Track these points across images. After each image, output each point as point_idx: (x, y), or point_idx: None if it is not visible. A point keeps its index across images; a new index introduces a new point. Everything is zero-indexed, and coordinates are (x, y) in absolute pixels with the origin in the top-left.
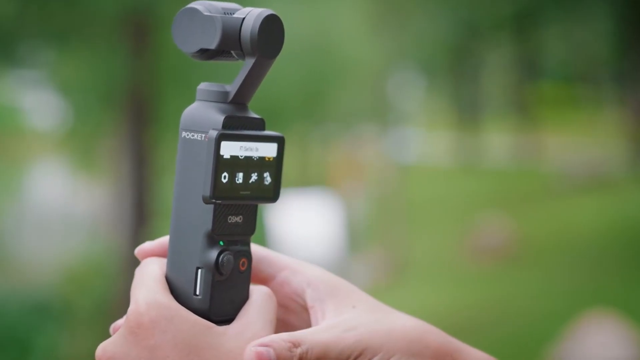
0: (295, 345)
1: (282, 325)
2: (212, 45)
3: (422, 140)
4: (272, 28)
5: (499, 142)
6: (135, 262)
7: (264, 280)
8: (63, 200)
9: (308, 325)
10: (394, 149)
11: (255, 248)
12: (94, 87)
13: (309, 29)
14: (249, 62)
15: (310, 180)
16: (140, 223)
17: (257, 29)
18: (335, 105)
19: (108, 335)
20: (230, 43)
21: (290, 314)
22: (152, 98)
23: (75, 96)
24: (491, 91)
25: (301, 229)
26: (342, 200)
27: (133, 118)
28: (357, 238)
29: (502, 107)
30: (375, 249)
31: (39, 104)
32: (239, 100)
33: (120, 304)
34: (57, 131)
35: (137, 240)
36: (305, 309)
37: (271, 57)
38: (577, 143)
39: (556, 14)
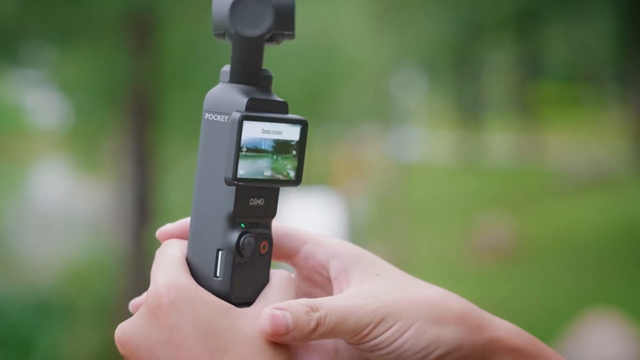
0: (313, 309)
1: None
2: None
3: (424, 139)
4: (248, 5)
5: (501, 141)
6: (137, 261)
7: (288, 256)
8: (65, 199)
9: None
10: (396, 148)
11: (276, 224)
12: (96, 86)
13: (312, 28)
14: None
15: (312, 179)
16: (143, 222)
17: (229, 4)
18: (338, 105)
19: (110, 334)
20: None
21: (316, 287)
22: (154, 97)
23: (77, 95)
24: (493, 91)
25: (303, 227)
26: (344, 199)
27: (135, 117)
28: (359, 237)
29: (504, 106)
30: (377, 248)
31: (42, 103)
32: (236, 79)
33: (122, 303)
34: (60, 130)
35: (139, 239)
36: (330, 281)
37: (248, 34)
38: (579, 142)
39: (558, 14)
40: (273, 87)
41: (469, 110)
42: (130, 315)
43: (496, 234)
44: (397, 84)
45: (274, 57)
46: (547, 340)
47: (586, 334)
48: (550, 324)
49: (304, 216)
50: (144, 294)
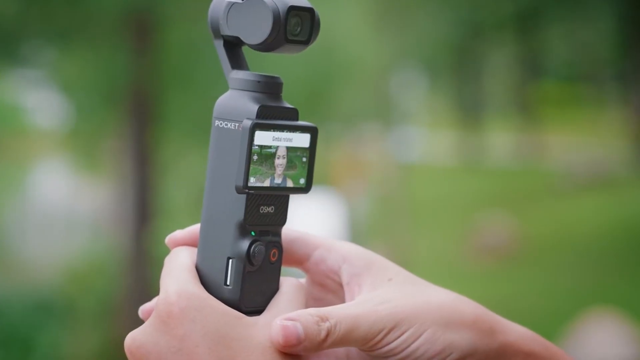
0: (323, 319)
1: (321, 304)
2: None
3: (424, 139)
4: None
5: (501, 141)
6: (138, 261)
7: (299, 261)
8: (66, 199)
9: (345, 302)
10: (396, 148)
11: (286, 230)
12: (96, 86)
13: None
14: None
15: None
16: (143, 222)
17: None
18: (338, 105)
19: (110, 334)
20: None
21: (328, 292)
22: (154, 97)
23: (77, 95)
24: (494, 90)
25: (304, 227)
26: (344, 199)
27: (135, 117)
28: (359, 237)
29: (505, 106)
30: (377, 248)
31: (42, 103)
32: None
33: (122, 303)
34: (60, 130)
35: (140, 239)
36: (342, 286)
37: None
38: (579, 142)
39: (559, 14)
40: None
41: (469, 110)
42: (131, 314)
43: (496, 233)
44: (398, 84)
45: (273, 56)
46: (548, 340)
47: (586, 334)
48: (550, 324)
49: (304, 216)
50: (154, 300)
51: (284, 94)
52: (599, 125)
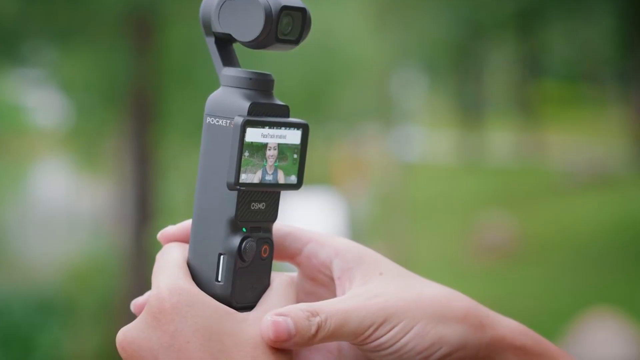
0: (314, 314)
1: (312, 298)
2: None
3: (425, 138)
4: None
5: (502, 140)
6: (138, 261)
7: (291, 256)
8: (66, 198)
9: (336, 296)
10: (397, 147)
11: (278, 224)
12: (96, 86)
13: (312, 28)
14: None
15: (313, 179)
16: (143, 221)
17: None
18: (339, 104)
19: (111, 334)
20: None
21: (320, 286)
22: (155, 96)
23: (78, 95)
24: (494, 90)
25: (306, 227)
26: (345, 199)
27: (136, 116)
28: (360, 236)
29: (505, 105)
30: (378, 247)
31: (42, 102)
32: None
33: (123, 302)
34: (60, 129)
35: (140, 238)
36: (333, 280)
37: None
38: (580, 141)
39: (559, 13)
40: (274, 87)
41: (469, 109)
42: (131, 314)
43: (497, 232)
44: (398, 83)
45: (274, 56)
46: (548, 339)
47: (587, 333)
48: (551, 323)
49: (305, 216)
50: (146, 294)
51: (285, 94)
52: (599, 124)
